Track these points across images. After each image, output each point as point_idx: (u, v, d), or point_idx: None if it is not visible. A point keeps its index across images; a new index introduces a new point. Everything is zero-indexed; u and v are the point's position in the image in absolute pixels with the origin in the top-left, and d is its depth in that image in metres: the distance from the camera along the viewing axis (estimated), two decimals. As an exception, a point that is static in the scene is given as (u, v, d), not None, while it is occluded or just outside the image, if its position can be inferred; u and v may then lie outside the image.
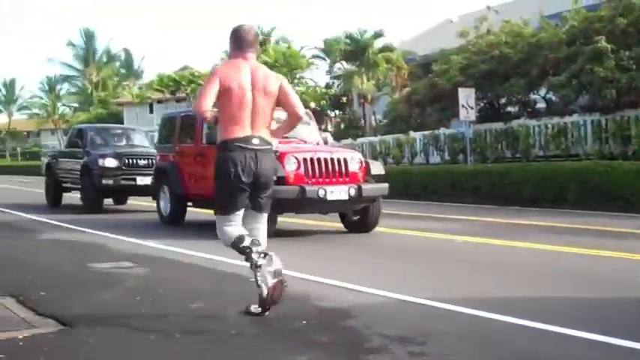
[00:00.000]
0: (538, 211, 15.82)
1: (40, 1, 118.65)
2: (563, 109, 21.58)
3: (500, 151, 22.66)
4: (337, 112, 41.56)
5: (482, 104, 25.18)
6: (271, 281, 5.49)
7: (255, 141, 5.61)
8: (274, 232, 10.96)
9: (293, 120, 5.96)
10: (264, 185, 5.74)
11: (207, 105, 5.56)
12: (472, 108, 21.77)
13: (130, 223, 14.42)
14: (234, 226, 5.71)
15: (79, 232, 12.48)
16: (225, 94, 5.57)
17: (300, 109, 5.89)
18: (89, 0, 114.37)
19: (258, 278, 5.50)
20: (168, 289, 6.97)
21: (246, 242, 5.60)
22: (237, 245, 5.66)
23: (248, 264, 5.63)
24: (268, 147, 5.71)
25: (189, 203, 13.52)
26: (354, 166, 11.40)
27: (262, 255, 5.54)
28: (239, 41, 5.79)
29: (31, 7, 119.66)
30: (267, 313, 5.60)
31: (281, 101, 5.81)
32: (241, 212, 5.74)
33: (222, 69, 5.81)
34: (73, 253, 9.93)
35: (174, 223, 13.33)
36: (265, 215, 5.91)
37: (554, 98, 22.87)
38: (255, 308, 5.64)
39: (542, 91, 23.63)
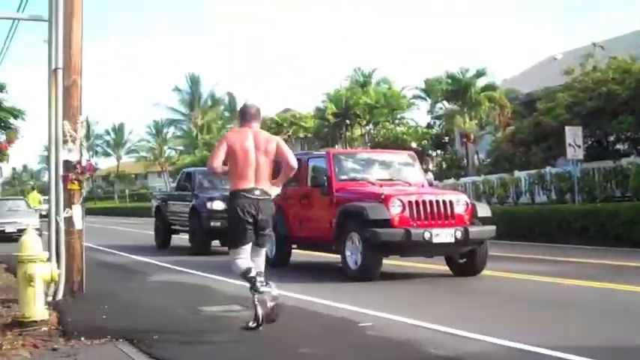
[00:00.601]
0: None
1: (148, 49, 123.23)
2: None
3: (610, 190, 21.93)
4: (439, 151, 41.27)
5: (589, 142, 24.54)
6: (270, 304, 6.86)
7: (257, 192, 7.10)
8: (379, 275, 11.00)
9: (288, 170, 7.41)
10: (264, 226, 7.18)
11: (218, 162, 7.14)
12: (579, 146, 21.23)
13: (236, 265, 14.57)
14: (244, 259, 7.13)
15: (188, 274, 12.73)
16: (233, 155, 7.08)
17: (294, 161, 7.35)
18: (195, 47, 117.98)
19: (256, 300, 6.92)
20: (278, 334, 6.99)
21: (252, 273, 6.97)
22: (245, 275, 7.06)
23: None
24: (267, 197, 7.19)
25: (294, 245, 13.61)
26: (460, 208, 11.27)
27: (265, 283, 6.88)
28: (244, 115, 7.44)
29: (139, 55, 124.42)
30: (260, 328, 6.89)
31: (278, 156, 7.28)
32: (248, 247, 7.16)
33: (231, 136, 7.36)
34: (182, 296, 10.11)
35: (279, 265, 13.42)
36: (264, 250, 7.47)
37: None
38: (251, 324, 6.99)
39: (653, 128, 22.85)
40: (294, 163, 7.35)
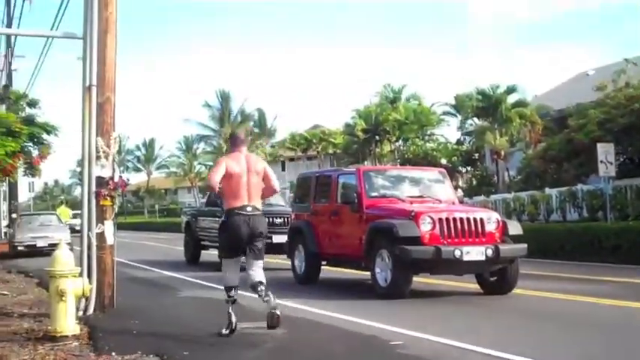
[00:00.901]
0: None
1: (179, 65, 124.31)
2: None
3: (642, 207, 21.68)
4: (469, 168, 41.09)
5: (621, 159, 24.31)
6: (269, 312, 7.77)
7: (249, 209, 7.94)
8: (409, 292, 10.94)
9: (268, 193, 8.40)
10: (256, 238, 7.98)
11: (218, 178, 7.91)
12: (612, 163, 20.99)
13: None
14: (233, 273, 8.14)
15: (218, 289, 12.70)
16: (228, 177, 7.91)
17: (276, 186, 8.41)
18: (225, 63, 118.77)
19: (230, 309, 7.95)
20: (309, 351, 6.98)
21: (233, 294, 8.06)
22: (227, 290, 8.13)
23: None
24: (259, 212, 8.02)
25: (324, 262, 13.60)
26: (491, 226, 11.19)
27: (265, 294, 7.79)
28: (235, 141, 8.49)
29: (170, 71, 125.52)
30: (233, 334, 7.80)
31: (263, 178, 8.14)
32: (238, 259, 8.13)
33: (226, 159, 8.12)
34: (212, 311, 10.09)
35: (308, 282, 13.43)
36: (261, 262, 8.13)
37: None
38: (224, 331, 7.87)
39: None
40: (277, 188, 8.48)
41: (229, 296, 8.07)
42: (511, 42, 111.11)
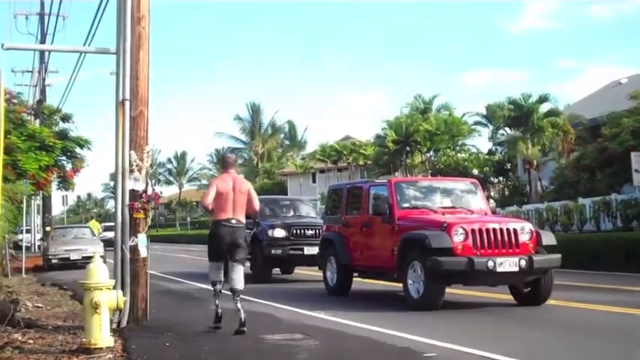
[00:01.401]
0: None
1: (210, 79, 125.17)
2: None
3: (678, 217, 21.39)
4: (501, 178, 40.78)
5: (656, 168, 23.96)
6: (237, 309, 9.01)
7: (234, 221, 9.28)
8: (441, 304, 10.87)
9: (251, 210, 9.69)
10: (238, 247, 9.28)
11: (210, 200, 9.26)
12: (646, 172, 20.79)
13: (297, 292, 14.64)
14: (216, 272, 9.57)
15: (249, 301, 12.73)
16: (218, 195, 9.28)
17: (257, 206, 9.77)
18: (256, 77, 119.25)
19: (218, 303, 9.45)
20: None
21: (218, 287, 9.51)
22: (213, 284, 9.61)
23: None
24: (241, 225, 9.36)
25: (355, 273, 13.57)
26: (524, 237, 11.09)
27: (237, 301, 9.08)
28: (225, 163, 10.00)
29: (201, 85, 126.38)
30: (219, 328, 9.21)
31: (247, 198, 9.44)
32: (221, 264, 9.54)
33: (217, 181, 9.62)
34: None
35: (340, 294, 13.41)
36: (241, 267, 9.38)
37: None
38: (212, 325, 9.37)
39: None
40: (257, 207, 9.87)
41: (215, 289, 9.57)
42: (545, 51, 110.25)
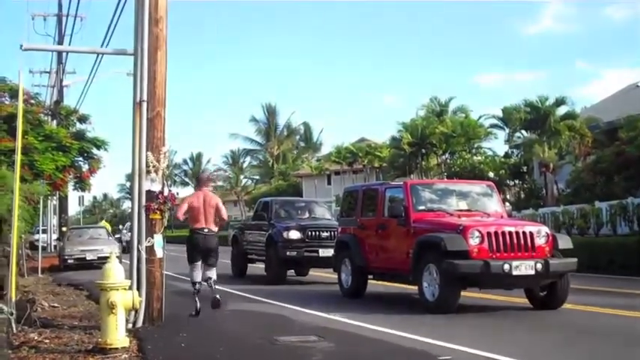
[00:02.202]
0: None
1: (226, 82, 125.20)
2: None
3: (696, 220, 21.22)
4: (517, 181, 40.57)
5: (674, 172, 23.81)
6: (212, 297, 11.13)
7: (206, 230, 11.37)
8: (457, 307, 10.83)
9: (221, 221, 11.69)
10: (210, 252, 11.45)
11: (180, 215, 11.41)
12: (664, 176, 20.64)
13: (311, 294, 14.63)
14: (195, 273, 11.52)
15: (264, 303, 12.80)
16: (191, 209, 11.37)
17: (224, 215, 11.74)
18: (272, 78, 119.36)
19: (196, 297, 11.10)
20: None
21: (197, 287, 11.40)
22: (193, 284, 11.54)
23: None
24: (213, 233, 11.44)
25: (370, 276, 13.55)
26: (540, 240, 11.04)
27: (212, 286, 11.38)
28: (199, 182, 12.41)
29: (217, 86, 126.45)
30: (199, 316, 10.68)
31: (216, 209, 11.45)
32: (199, 264, 11.50)
33: (189, 199, 11.79)
34: (259, 325, 10.16)
35: (355, 296, 13.40)
36: (213, 268, 11.57)
37: None
38: (193, 313, 10.79)
39: None
40: (225, 217, 11.84)
41: (194, 288, 11.43)
42: (561, 53, 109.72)
